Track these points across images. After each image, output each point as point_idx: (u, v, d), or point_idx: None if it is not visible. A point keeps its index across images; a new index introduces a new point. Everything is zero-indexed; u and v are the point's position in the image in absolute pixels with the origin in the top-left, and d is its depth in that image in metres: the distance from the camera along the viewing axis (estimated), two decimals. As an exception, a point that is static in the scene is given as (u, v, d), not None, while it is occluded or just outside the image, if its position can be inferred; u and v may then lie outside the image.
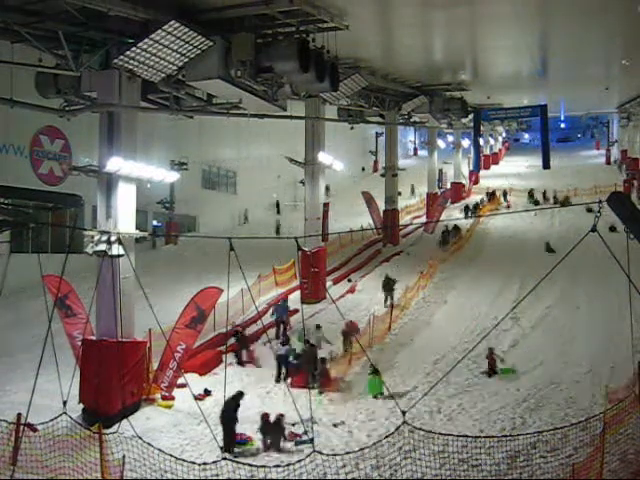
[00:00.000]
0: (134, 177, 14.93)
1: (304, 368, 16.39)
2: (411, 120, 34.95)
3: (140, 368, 15.04)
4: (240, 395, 13.38)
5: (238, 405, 13.19)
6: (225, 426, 12.81)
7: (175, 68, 14.66)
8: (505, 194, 44.88)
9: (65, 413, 10.94)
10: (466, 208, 41.18)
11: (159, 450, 10.64)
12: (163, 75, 14.77)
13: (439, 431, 11.88)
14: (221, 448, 11.29)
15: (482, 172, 54.20)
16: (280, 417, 13.06)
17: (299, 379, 16.35)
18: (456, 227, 34.22)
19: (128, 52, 13.53)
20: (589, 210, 31.79)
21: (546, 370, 16.69)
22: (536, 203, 42.19)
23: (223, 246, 9.60)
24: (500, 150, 70.52)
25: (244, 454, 12.56)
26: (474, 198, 45.86)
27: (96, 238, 14.45)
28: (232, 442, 12.75)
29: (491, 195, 44.87)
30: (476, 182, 51.77)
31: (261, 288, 24.09)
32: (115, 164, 14.25)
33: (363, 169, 60.21)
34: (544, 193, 43.42)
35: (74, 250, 27.16)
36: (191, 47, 14.06)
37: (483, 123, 42.95)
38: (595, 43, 23.52)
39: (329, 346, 18.69)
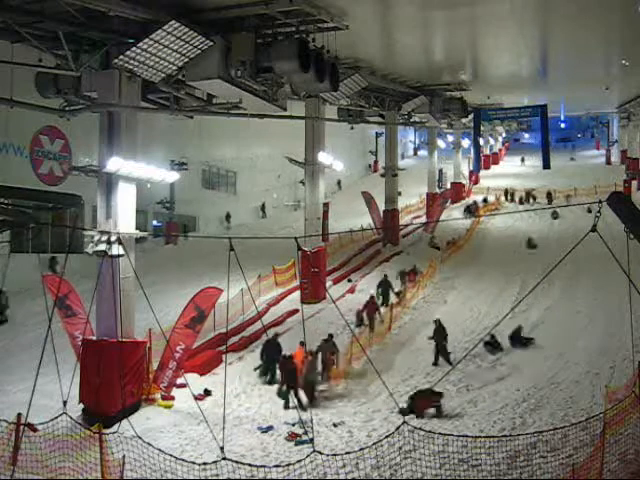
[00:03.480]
0: (134, 177, 14.90)
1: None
2: (411, 120, 34.91)
3: (140, 368, 15.01)
4: (276, 336, 16.92)
5: (279, 344, 16.31)
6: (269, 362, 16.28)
7: (175, 68, 14.66)
8: (506, 194, 44.87)
9: (65, 413, 10.94)
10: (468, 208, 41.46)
11: (159, 450, 10.61)
12: (163, 75, 14.77)
13: (439, 431, 11.89)
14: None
15: (482, 172, 54.18)
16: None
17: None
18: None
19: (128, 52, 13.53)
20: (589, 210, 31.78)
21: (546, 370, 16.68)
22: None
23: (223, 246, 9.59)
24: (500, 150, 70.54)
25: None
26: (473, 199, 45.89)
27: (96, 238, 14.42)
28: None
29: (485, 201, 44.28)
30: (476, 182, 51.78)
31: (261, 288, 24.14)
32: (115, 164, 14.24)
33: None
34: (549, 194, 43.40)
35: (74, 250, 27.24)
36: (191, 47, 14.07)
37: (483, 123, 42.99)
38: (595, 43, 23.51)
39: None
